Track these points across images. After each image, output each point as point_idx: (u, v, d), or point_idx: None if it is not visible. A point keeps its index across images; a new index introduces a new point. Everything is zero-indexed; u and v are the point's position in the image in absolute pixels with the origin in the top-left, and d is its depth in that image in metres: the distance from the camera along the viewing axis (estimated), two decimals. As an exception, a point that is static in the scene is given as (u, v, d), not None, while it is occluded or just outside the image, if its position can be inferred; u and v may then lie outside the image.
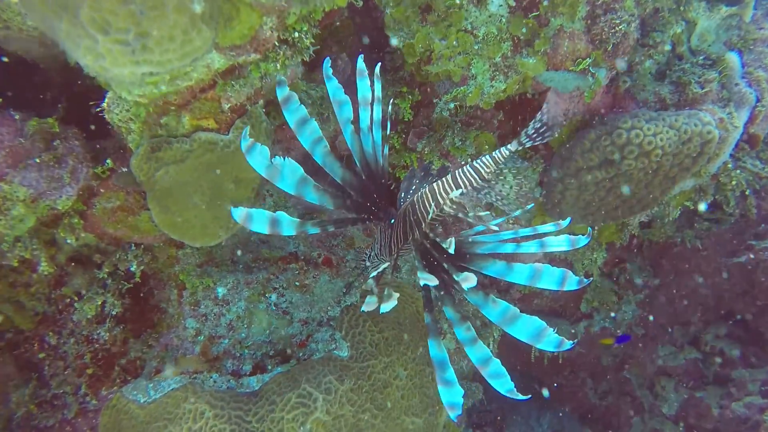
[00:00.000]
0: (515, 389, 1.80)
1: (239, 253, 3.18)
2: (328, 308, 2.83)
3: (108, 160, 2.47)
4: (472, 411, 4.92)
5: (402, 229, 2.10)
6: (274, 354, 2.75)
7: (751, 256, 3.80)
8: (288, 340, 2.81)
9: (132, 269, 2.87)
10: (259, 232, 1.74)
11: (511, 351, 5.23)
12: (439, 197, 2.11)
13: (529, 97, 3.23)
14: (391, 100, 2.29)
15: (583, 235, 1.91)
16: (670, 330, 4.39)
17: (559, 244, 1.93)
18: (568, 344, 1.73)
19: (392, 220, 2.15)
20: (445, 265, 1.91)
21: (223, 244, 3.16)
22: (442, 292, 1.90)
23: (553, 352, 1.87)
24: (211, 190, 2.31)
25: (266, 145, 2.33)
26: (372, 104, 2.04)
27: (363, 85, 2.04)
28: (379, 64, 2.12)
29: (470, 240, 1.99)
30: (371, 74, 2.07)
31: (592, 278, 2.28)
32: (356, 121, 2.03)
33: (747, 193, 3.64)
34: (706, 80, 2.99)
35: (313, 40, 2.01)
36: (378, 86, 2.05)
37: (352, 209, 2.03)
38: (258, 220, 1.64)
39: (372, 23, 3.81)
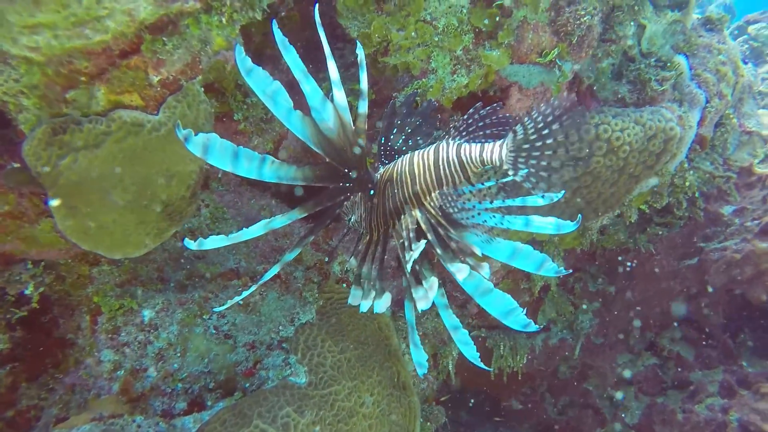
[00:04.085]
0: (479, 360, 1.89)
1: (169, 269, 2.70)
2: (279, 328, 2.43)
3: (-11, 153, 1.96)
4: (435, 437, 4.58)
5: (383, 209, 1.92)
6: (214, 386, 2.29)
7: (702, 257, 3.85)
8: (231, 368, 2.36)
9: (27, 293, 2.32)
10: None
11: (470, 372, 5.01)
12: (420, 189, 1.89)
13: (490, 95, 3.08)
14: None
15: (571, 221, 1.81)
16: (627, 337, 4.35)
17: (545, 225, 1.84)
18: (533, 327, 1.76)
19: (372, 192, 1.92)
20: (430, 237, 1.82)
21: (150, 258, 2.67)
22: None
23: (520, 331, 1.78)
24: (135, 185, 1.87)
25: (206, 130, 1.94)
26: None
27: (292, 55, 1.54)
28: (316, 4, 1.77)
29: (456, 205, 1.86)
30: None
31: (570, 270, 2.17)
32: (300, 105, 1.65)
33: (696, 195, 3.69)
34: (663, 78, 2.98)
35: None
36: (324, 41, 1.68)
37: (330, 179, 1.75)
38: (219, 151, 1.35)
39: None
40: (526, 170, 1.71)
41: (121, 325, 2.30)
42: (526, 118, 1.69)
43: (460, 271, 1.67)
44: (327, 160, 1.69)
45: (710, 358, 3.98)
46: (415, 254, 1.65)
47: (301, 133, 1.58)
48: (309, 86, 1.55)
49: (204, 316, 2.44)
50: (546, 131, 1.65)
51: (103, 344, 2.26)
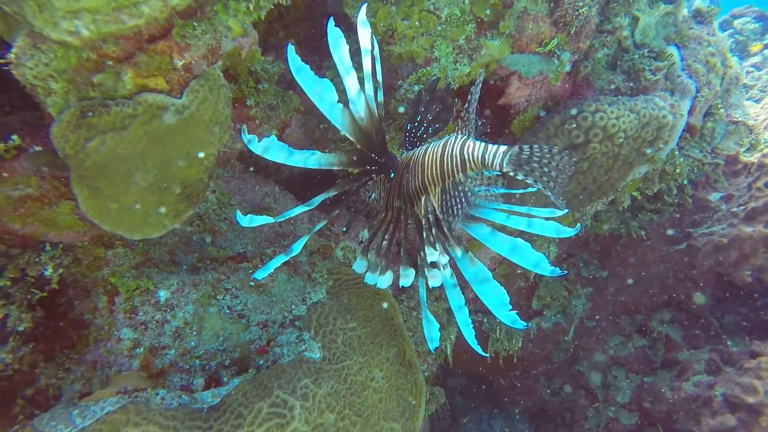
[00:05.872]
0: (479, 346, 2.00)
1: (181, 252, 2.77)
2: (292, 307, 2.51)
3: (14, 136, 2.01)
4: (434, 419, 4.72)
5: (398, 192, 2.05)
6: (229, 363, 2.37)
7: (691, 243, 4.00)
8: (245, 346, 2.44)
9: (46, 274, 2.37)
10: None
11: (467, 354, 5.14)
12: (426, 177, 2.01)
13: (491, 83, 3.17)
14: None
15: (571, 227, 1.93)
16: (618, 320, 4.51)
17: (545, 228, 1.96)
18: (521, 324, 1.87)
19: (392, 174, 2.05)
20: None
21: (162, 242, 2.74)
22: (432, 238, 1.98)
23: (509, 326, 1.92)
24: (157, 167, 1.94)
25: (226, 114, 2.02)
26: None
27: (340, 52, 1.74)
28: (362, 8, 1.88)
29: (472, 199, 1.98)
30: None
31: (567, 271, 2.32)
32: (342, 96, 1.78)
33: (685, 183, 3.83)
34: (656, 68, 3.10)
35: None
36: (365, 36, 1.80)
37: (359, 163, 1.92)
38: (276, 150, 1.63)
39: (322, 8, 3.60)
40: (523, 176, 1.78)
41: (138, 305, 2.36)
42: (536, 145, 1.76)
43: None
44: (358, 146, 1.84)
45: (697, 338, 4.15)
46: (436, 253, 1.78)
47: (340, 123, 1.75)
48: (350, 80, 1.71)
49: (218, 297, 2.52)
50: (547, 162, 1.73)
51: (122, 323, 2.33)
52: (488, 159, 1.83)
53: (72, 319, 2.61)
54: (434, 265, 1.91)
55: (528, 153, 1.73)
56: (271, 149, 1.63)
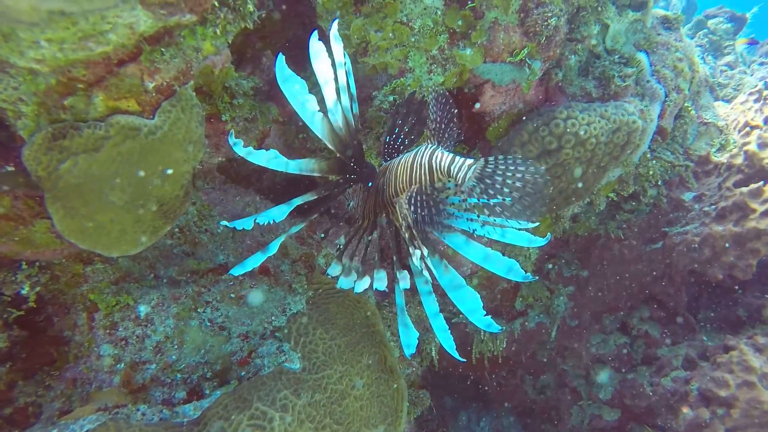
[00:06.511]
0: (455, 350, 2.01)
1: (161, 266, 2.78)
2: (272, 318, 2.55)
3: (-14, 157, 2.02)
4: (422, 421, 4.77)
5: (374, 201, 2.11)
6: (211, 376, 2.40)
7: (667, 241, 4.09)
8: (227, 358, 2.47)
9: (23, 293, 2.39)
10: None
11: (452, 358, 5.20)
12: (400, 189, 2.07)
13: (465, 92, 3.23)
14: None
15: (542, 237, 2.05)
16: (600, 318, 4.59)
17: (518, 238, 2.07)
18: (496, 328, 1.92)
19: (369, 183, 2.12)
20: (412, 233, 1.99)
21: (141, 256, 2.75)
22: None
23: (485, 330, 2.01)
24: (132, 186, 1.96)
25: (199, 132, 2.06)
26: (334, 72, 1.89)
27: (320, 64, 1.83)
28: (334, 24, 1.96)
29: (444, 209, 2.03)
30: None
31: (537, 277, 2.42)
32: (322, 106, 1.85)
33: (659, 183, 3.93)
34: (625, 74, 3.18)
35: (255, 4, 1.78)
36: (338, 50, 1.90)
37: (338, 171, 2.01)
38: (258, 156, 1.77)
39: (298, 19, 3.64)
40: (482, 197, 1.76)
41: (118, 321, 2.38)
42: (501, 157, 1.74)
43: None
44: (338, 155, 1.94)
45: (675, 334, 4.25)
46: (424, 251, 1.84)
47: (320, 132, 1.84)
48: (329, 90, 1.80)
49: (198, 310, 2.54)
50: (511, 176, 1.70)
51: (102, 339, 2.35)
52: (453, 171, 1.87)
53: (52, 336, 2.62)
54: (407, 268, 1.98)
55: (492, 166, 1.74)
56: (254, 153, 1.75)
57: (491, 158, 1.77)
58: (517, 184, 1.73)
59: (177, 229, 2.99)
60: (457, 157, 1.90)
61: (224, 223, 1.91)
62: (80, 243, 2.08)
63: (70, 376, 2.33)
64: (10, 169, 2.07)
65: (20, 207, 2.15)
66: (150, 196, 2.05)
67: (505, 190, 1.71)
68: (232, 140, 1.77)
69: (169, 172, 2.02)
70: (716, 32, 7.01)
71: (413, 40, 2.91)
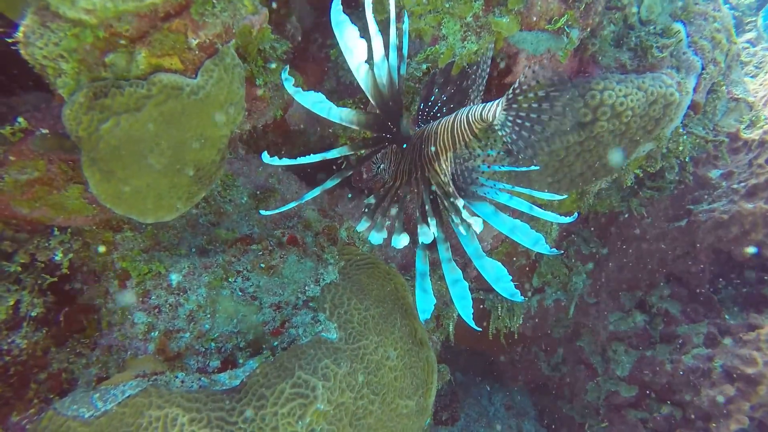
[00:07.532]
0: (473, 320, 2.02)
1: (189, 235, 2.74)
2: (305, 288, 2.52)
3: (20, 119, 1.96)
4: (436, 396, 4.80)
5: (409, 164, 2.12)
6: (244, 345, 2.38)
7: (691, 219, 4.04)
8: (259, 328, 2.45)
9: (56, 259, 2.35)
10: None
11: (468, 332, 5.22)
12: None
13: (497, 62, 3.14)
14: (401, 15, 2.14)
15: (569, 215, 2.07)
16: (618, 296, 4.58)
17: (545, 214, 2.07)
18: (519, 297, 1.97)
19: (405, 145, 2.12)
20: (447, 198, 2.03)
21: (169, 225, 2.71)
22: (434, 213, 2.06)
23: (507, 299, 2.06)
24: (171, 149, 1.90)
25: (240, 94, 2.00)
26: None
27: (369, 17, 1.82)
28: None
29: (474, 177, 2.09)
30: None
31: (562, 251, 2.45)
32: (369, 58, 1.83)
33: (686, 160, 3.86)
34: (664, 45, 3.08)
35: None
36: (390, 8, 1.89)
37: (375, 128, 2.00)
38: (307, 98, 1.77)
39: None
40: (511, 136, 1.85)
41: (150, 289, 2.35)
42: (519, 78, 1.81)
43: (476, 223, 1.89)
44: (377, 111, 1.93)
45: (696, 312, 4.25)
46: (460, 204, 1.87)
47: (364, 83, 1.83)
48: (377, 43, 1.78)
49: (230, 279, 2.51)
50: (536, 96, 1.79)
51: (135, 307, 2.32)
52: (485, 114, 1.90)
53: (81, 304, 2.60)
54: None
55: (518, 91, 1.80)
56: (301, 93, 1.78)
57: (515, 83, 1.82)
58: (544, 105, 1.80)
59: (203, 199, 2.95)
60: (488, 103, 1.93)
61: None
62: (116, 208, 2.03)
63: (105, 343, 2.31)
64: (45, 132, 2.02)
65: (54, 171, 2.10)
66: (188, 160, 2.00)
67: (532, 115, 1.77)
68: (284, 75, 1.79)
69: (208, 135, 1.96)
70: (738, 7, 6.83)
71: (447, 6, 2.80)
